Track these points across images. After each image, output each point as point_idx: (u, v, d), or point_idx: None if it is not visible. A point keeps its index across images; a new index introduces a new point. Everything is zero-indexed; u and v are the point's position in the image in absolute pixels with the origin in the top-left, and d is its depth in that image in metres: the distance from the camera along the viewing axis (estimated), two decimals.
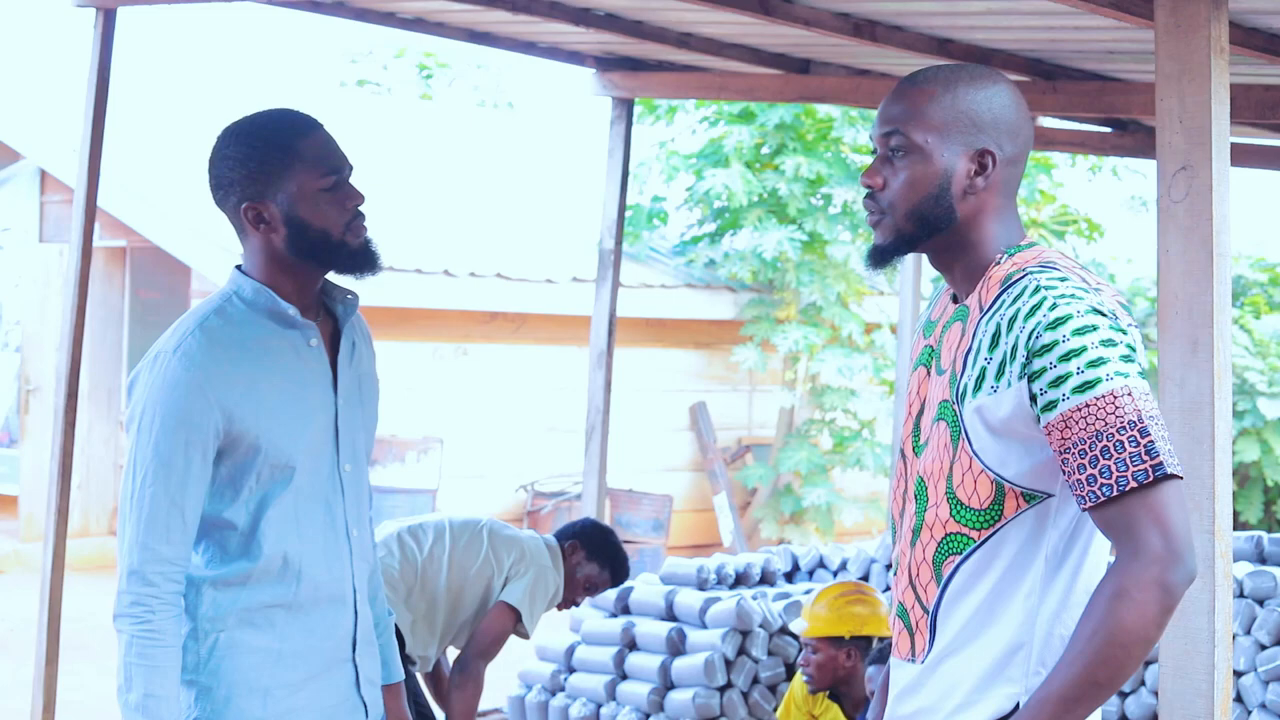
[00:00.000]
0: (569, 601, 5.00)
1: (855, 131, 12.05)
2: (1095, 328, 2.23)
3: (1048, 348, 2.23)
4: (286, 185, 2.73)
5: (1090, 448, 2.21)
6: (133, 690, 2.64)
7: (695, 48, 5.84)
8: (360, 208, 2.79)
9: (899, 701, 2.42)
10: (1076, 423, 2.21)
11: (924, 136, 2.37)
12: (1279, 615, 5.55)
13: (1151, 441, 2.19)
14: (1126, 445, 2.19)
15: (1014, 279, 2.34)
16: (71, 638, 6.92)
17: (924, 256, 2.50)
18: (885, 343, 12.28)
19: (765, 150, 12.27)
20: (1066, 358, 2.22)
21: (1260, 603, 5.68)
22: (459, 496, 11.10)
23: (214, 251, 10.28)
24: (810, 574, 6.82)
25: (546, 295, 11.39)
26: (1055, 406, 2.22)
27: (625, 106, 6.76)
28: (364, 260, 2.78)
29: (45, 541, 5.37)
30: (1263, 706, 5.52)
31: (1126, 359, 2.23)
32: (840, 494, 12.08)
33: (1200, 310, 2.76)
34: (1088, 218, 13.52)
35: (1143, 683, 5.82)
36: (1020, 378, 2.26)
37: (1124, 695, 5.89)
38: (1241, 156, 7.45)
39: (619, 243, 6.73)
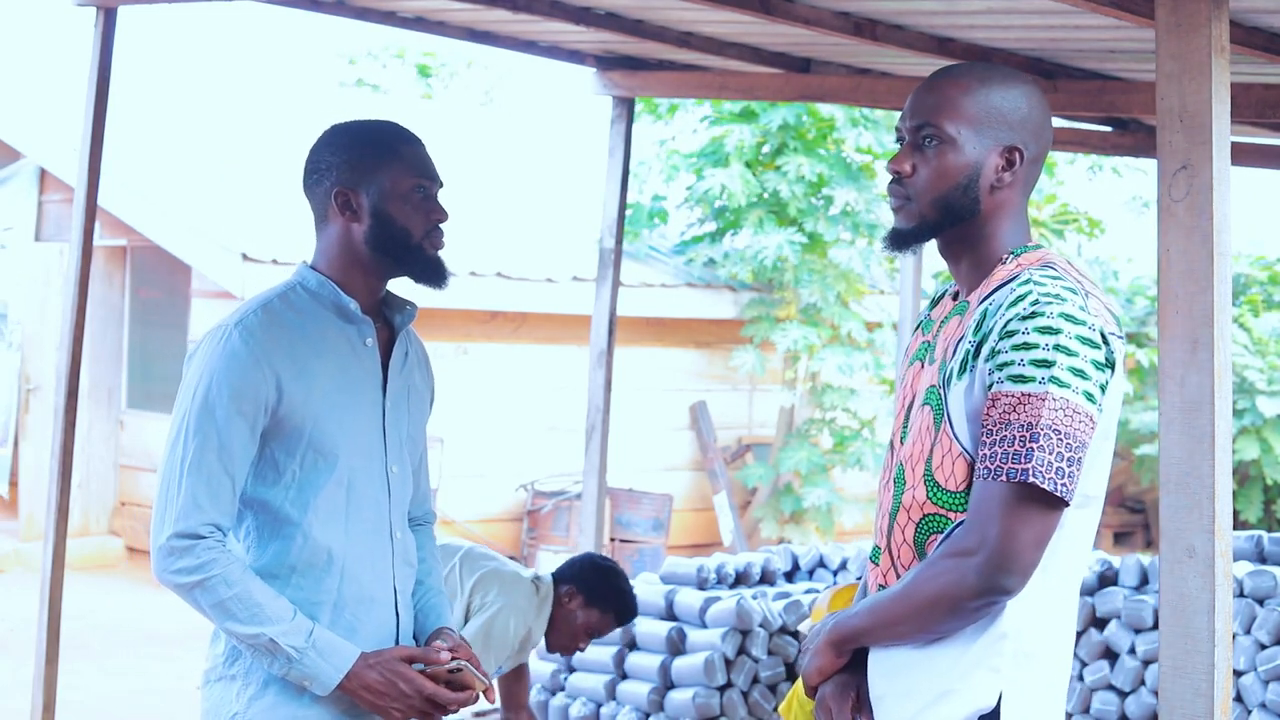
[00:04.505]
0: (570, 647, 4.77)
1: (857, 132, 12.03)
2: (1059, 330, 2.29)
3: (1010, 334, 2.32)
4: (380, 179, 2.82)
5: (996, 432, 2.30)
6: (236, 620, 2.68)
7: (696, 47, 5.84)
8: (442, 224, 2.88)
9: (889, 681, 2.43)
10: (998, 406, 2.31)
11: (957, 128, 2.45)
12: (1279, 615, 5.55)
13: (1035, 449, 2.26)
14: (1016, 443, 2.28)
15: (1015, 277, 2.40)
16: (71, 637, 6.92)
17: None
18: (886, 341, 12.27)
19: (766, 150, 12.26)
20: (1019, 348, 2.30)
21: (1260, 602, 5.68)
22: (459, 496, 11.10)
23: (214, 251, 10.27)
24: (810, 574, 6.82)
25: (546, 294, 11.38)
26: (991, 386, 2.32)
27: (625, 105, 6.76)
28: (434, 270, 2.89)
29: (45, 540, 5.37)
30: (1263, 706, 5.52)
31: (1077, 372, 2.29)
32: (840, 493, 12.07)
33: (1200, 309, 2.76)
34: (1087, 214, 13.52)
35: (1143, 682, 5.82)
36: (986, 360, 2.34)
37: (1124, 695, 5.89)
38: (1242, 155, 7.45)
39: (619, 242, 6.73)
